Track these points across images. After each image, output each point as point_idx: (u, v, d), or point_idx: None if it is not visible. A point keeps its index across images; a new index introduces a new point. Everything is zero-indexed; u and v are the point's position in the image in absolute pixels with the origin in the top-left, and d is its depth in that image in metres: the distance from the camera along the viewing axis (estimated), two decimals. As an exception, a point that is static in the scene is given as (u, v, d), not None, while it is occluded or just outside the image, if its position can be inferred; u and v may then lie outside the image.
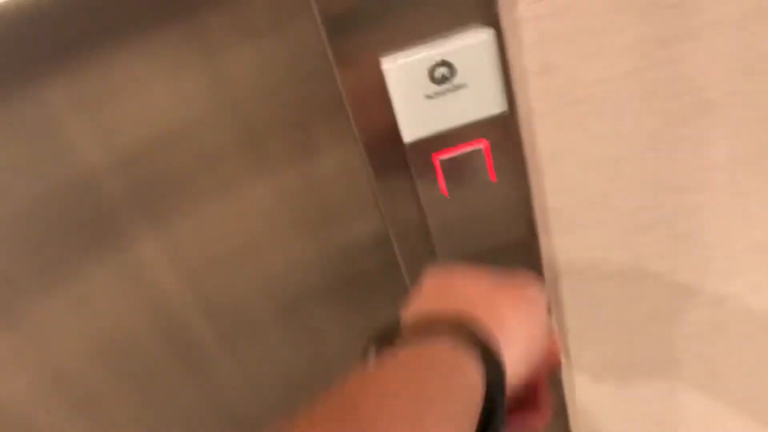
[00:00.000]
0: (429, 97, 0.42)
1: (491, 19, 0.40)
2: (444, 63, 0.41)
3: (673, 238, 0.47)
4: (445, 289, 0.38)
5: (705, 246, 0.47)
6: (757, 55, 0.39)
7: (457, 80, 0.42)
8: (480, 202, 0.47)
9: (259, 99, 0.47)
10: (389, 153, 0.45)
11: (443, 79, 0.42)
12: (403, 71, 0.41)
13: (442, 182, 0.46)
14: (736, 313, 0.52)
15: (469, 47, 0.41)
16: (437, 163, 0.45)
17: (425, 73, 0.42)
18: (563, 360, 0.53)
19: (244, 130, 0.48)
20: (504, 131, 0.44)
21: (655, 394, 0.56)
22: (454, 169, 0.46)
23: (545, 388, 0.37)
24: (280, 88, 0.46)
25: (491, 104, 0.43)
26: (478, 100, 0.43)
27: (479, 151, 0.45)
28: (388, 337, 0.33)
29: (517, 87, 0.40)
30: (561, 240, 0.46)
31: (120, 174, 0.51)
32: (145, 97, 0.47)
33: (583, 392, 0.55)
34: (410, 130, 0.44)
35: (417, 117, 0.43)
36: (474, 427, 0.28)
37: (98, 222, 0.56)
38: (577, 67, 0.38)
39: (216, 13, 0.43)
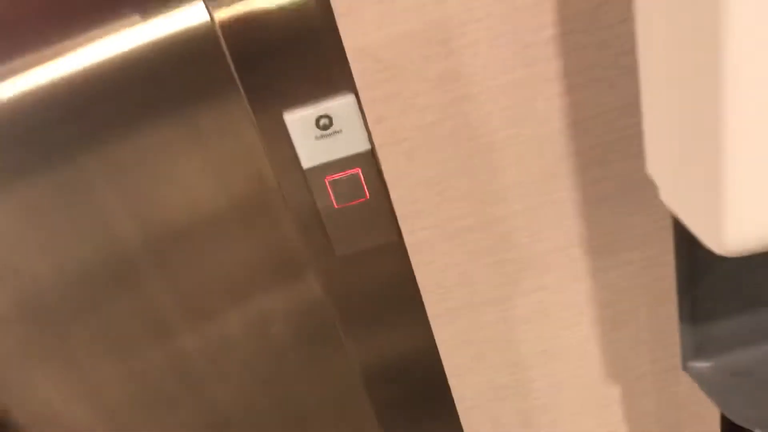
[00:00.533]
0: (317, 138, 0.64)
1: (354, 88, 0.62)
2: (325, 116, 0.63)
3: (492, 239, 0.67)
4: None
5: (516, 245, 0.67)
6: (519, 111, 0.60)
7: (334, 128, 0.64)
8: (359, 212, 0.68)
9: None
10: (295, 176, 0.67)
11: (325, 127, 0.64)
12: (298, 121, 0.63)
13: (331, 196, 0.67)
14: (555, 299, 0.71)
15: (339, 106, 0.62)
16: (327, 183, 0.67)
17: (313, 122, 0.63)
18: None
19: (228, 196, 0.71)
20: (371, 161, 0.66)
21: (502, 366, 0.75)
22: (339, 188, 0.67)
23: None
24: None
25: (360, 143, 0.65)
26: (350, 140, 0.64)
27: (356, 175, 0.66)
28: None
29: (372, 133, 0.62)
30: (411, 238, 0.66)
31: (139, 228, 0.74)
32: (165, 168, 0.70)
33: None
34: (306, 161, 0.65)
35: (310, 151, 0.65)
36: None
37: (118, 271, 0.79)
38: (401, 118, 0.60)
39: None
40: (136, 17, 0.68)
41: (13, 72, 0.70)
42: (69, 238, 0.81)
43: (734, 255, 0.41)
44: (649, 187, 0.66)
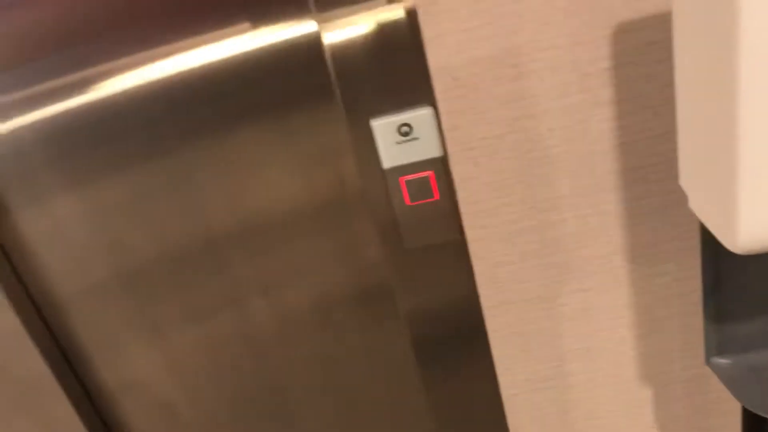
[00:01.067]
0: (398, 142, 0.75)
1: (433, 102, 0.73)
2: (406, 124, 0.74)
3: (543, 242, 0.76)
4: None
5: (564, 249, 0.77)
6: (574, 131, 0.69)
7: (413, 135, 0.74)
8: (428, 210, 0.78)
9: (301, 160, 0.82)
10: (375, 175, 0.77)
11: (405, 133, 0.74)
12: (383, 128, 0.74)
13: (405, 195, 0.78)
14: (596, 301, 0.80)
15: (419, 116, 0.73)
16: (403, 183, 0.77)
17: (395, 129, 0.74)
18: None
19: (311, 192, 0.83)
20: (442, 167, 0.76)
21: (546, 359, 0.84)
22: (413, 187, 0.77)
23: None
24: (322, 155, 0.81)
25: (433, 150, 0.75)
26: (426, 147, 0.75)
27: (427, 177, 0.77)
28: None
29: (445, 141, 0.72)
30: (472, 234, 0.76)
31: (230, 215, 0.86)
32: (258, 163, 0.82)
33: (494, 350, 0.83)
34: (387, 161, 0.76)
35: (390, 154, 0.75)
36: None
37: (208, 253, 0.90)
38: (471, 129, 0.70)
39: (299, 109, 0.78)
40: (246, 24, 0.81)
41: (135, 65, 0.83)
42: (169, 220, 0.93)
43: (747, 252, 0.50)
44: (685, 206, 0.74)
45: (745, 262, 0.61)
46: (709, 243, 0.61)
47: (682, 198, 0.73)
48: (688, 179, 0.56)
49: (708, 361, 0.65)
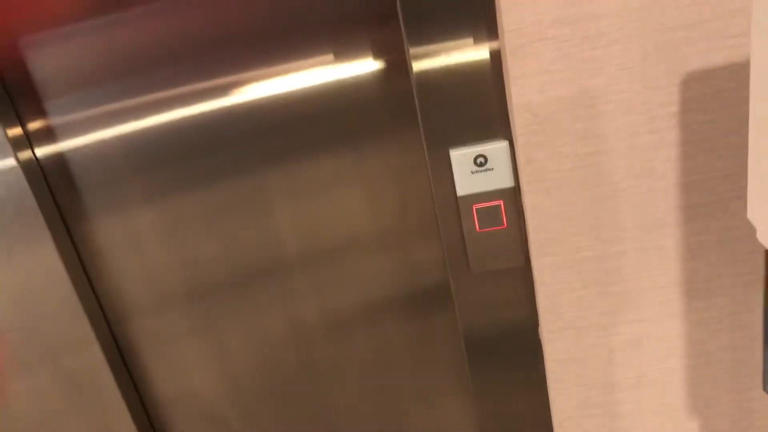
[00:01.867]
0: (473, 172, 0.81)
1: (509, 136, 0.79)
2: (481, 155, 0.80)
3: (604, 271, 0.81)
4: None
5: (624, 279, 0.82)
6: (641, 168, 0.75)
7: (488, 165, 0.80)
8: (496, 237, 0.84)
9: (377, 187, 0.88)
10: (449, 201, 0.83)
11: (481, 165, 0.80)
12: (460, 158, 0.80)
13: (476, 222, 0.83)
14: (650, 331, 0.84)
15: (495, 149, 0.79)
16: (474, 211, 0.83)
17: (471, 159, 0.80)
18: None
19: (375, 224, 0.89)
20: (512, 197, 0.82)
21: (598, 385, 0.88)
22: (484, 215, 0.83)
23: None
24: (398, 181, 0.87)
25: (506, 180, 0.81)
26: (499, 178, 0.81)
27: (498, 206, 0.82)
28: None
29: (519, 171, 0.78)
30: (539, 261, 0.81)
31: (304, 243, 0.92)
32: (332, 188, 0.88)
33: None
34: (461, 189, 0.82)
35: (465, 183, 0.81)
36: None
37: (274, 270, 0.96)
38: (546, 163, 0.76)
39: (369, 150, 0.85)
40: (330, 57, 0.87)
41: (222, 87, 0.90)
42: (241, 237, 0.99)
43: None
44: (740, 244, 0.79)
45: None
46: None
47: (736, 236, 0.78)
48: (757, 213, 0.61)
49: (765, 388, 0.70)
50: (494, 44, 0.76)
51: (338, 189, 0.94)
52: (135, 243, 1.01)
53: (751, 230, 0.78)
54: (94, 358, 1.04)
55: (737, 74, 0.71)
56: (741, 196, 0.76)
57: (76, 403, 1.09)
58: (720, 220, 0.78)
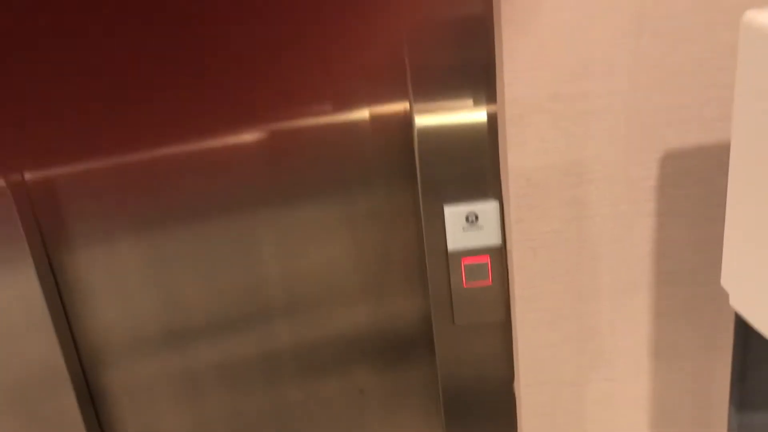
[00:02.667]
0: (464, 229, 0.86)
1: (500, 197, 0.85)
2: (473, 213, 0.85)
3: (581, 328, 0.86)
4: None
5: (599, 337, 0.87)
6: (620, 234, 0.82)
7: (478, 224, 0.85)
8: (482, 292, 0.88)
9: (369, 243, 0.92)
10: (439, 255, 0.87)
11: (472, 222, 0.85)
12: (452, 214, 0.85)
13: (463, 276, 0.88)
14: (620, 389, 0.90)
15: (485, 208, 0.85)
16: (462, 265, 0.87)
17: (463, 216, 0.85)
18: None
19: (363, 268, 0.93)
20: (499, 254, 0.87)
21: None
22: (471, 270, 0.88)
23: None
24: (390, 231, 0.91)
25: (494, 238, 0.86)
26: (488, 235, 0.86)
27: (485, 263, 0.87)
28: None
29: (507, 230, 0.83)
30: (521, 316, 0.86)
31: (281, 288, 0.95)
32: (321, 234, 0.92)
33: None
34: (451, 244, 0.86)
35: (457, 238, 0.86)
36: None
37: (255, 313, 0.98)
38: (534, 224, 0.81)
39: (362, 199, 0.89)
40: (328, 107, 0.92)
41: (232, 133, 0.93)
42: (224, 277, 1.00)
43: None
44: (707, 311, 0.86)
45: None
46: (741, 337, 0.72)
47: (704, 303, 0.85)
48: (731, 279, 0.68)
49: (728, 446, 0.75)
50: (493, 110, 0.82)
51: (326, 235, 0.97)
52: (116, 280, 1.02)
53: (718, 298, 0.85)
54: (65, 392, 1.03)
55: (710, 154, 0.79)
56: (710, 265, 0.83)
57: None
58: (689, 287, 0.84)
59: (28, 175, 0.95)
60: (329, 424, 1.07)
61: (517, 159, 0.79)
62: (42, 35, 0.12)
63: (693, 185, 0.80)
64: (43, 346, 1.00)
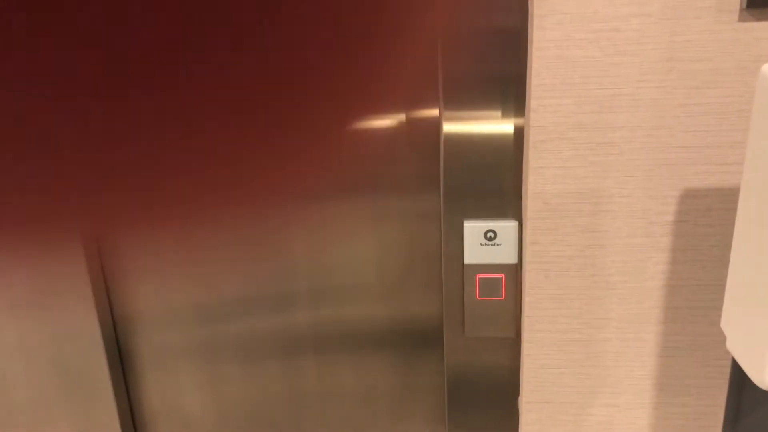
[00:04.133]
0: (482, 244, 0.89)
1: (519, 217, 0.87)
2: (491, 230, 0.88)
3: (587, 354, 0.88)
4: None
5: (603, 364, 0.89)
6: (632, 266, 0.83)
7: (496, 240, 0.88)
8: (493, 307, 0.91)
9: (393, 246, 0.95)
10: (456, 267, 0.91)
11: (490, 238, 0.88)
12: (472, 229, 0.88)
13: (477, 289, 0.91)
14: (620, 417, 0.91)
15: (505, 226, 0.87)
16: (477, 280, 0.90)
17: (482, 232, 0.88)
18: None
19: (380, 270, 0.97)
20: (514, 273, 0.89)
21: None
22: (485, 285, 0.91)
23: None
24: (409, 241, 0.94)
25: (511, 257, 0.89)
26: (505, 253, 0.89)
27: (500, 279, 0.90)
28: None
29: (524, 250, 0.86)
30: (529, 335, 0.88)
31: (308, 277, 0.99)
32: (349, 236, 0.96)
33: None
34: (468, 258, 0.89)
35: (474, 253, 0.89)
36: None
37: (283, 305, 1.02)
38: (549, 247, 0.84)
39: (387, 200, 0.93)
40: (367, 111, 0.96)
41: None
42: (259, 269, 1.06)
43: (772, 390, 0.62)
44: (712, 350, 0.87)
45: (764, 400, 0.73)
46: (736, 381, 0.73)
47: (709, 342, 0.86)
48: (729, 323, 0.69)
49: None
50: (520, 127, 0.85)
51: (351, 235, 1.01)
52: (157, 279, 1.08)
53: (722, 339, 0.86)
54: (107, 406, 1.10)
55: (727, 197, 0.80)
56: (717, 306, 0.84)
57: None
58: (696, 324, 0.86)
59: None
60: (337, 414, 1.11)
61: (536, 182, 0.82)
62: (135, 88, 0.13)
63: (709, 226, 0.81)
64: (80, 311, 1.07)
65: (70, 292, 1.06)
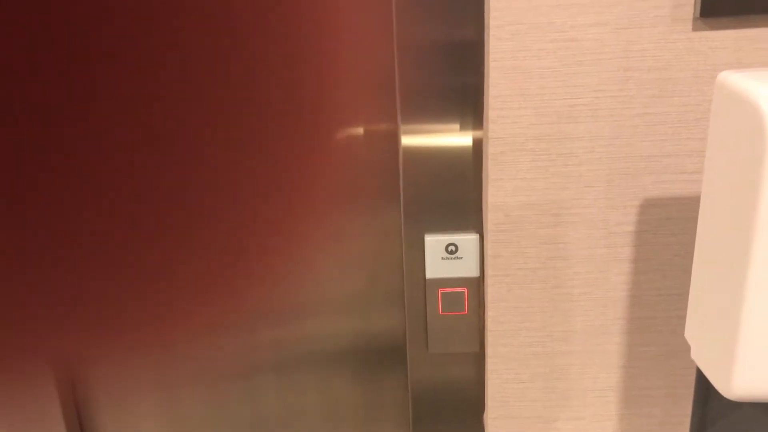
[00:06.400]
0: (444, 258, 0.87)
1: (480, 229, 0.86)
2: (453, 244, 0.86)
3: (551, 368, 0.87)
4: None
5: (568, 377, 0.87)
6: (595, 277, 0.82)
7: (458, 254, 0.87)
8: (457, 321, 0.89)
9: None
10: (418, 282, 0.89)
11: (451, 252, 0.87)
12: (433, 243, 0.86)
13: (439, 304, 0.89)
14: (586, 430, 0.90)
15: (465, 239, 0.86)
16: (439, 294, 0.89)
17: (444, 246, 0.87)
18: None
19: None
20: (476, 286, 0.88)
21: None
22: (448, 299, 0.89)
23: None
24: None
25: (473, 270, 0.87)
26: (467, 266, 0.87)
27: (462, 293, 0.88)
28: None
29: (486, 263, 0.85)
30: (492, 350, 0.87)
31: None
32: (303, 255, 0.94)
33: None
34: (430, 273, 0.88)
35: (435, 267, 0.87)
36: None
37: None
38: (511, 260, 0.82)
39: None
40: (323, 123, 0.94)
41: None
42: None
43: (738, 399, 0.61)
44: (676, 359, 0.86)
45: (729, 410, 0.73)
46: (701, 391, 0.72)
47: (674, 351, 0.86)
48: (693, 332, 0.68)
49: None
50: (479, 139, 0.84)
51: (312, 249, 0.99)
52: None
53: (687, 348, 0.85)
54: None
55: (688, 206, 0.80)
56: (681, 315, 0.84)
57: None
58: (660, 334, 0.85)
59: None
60: (302, 427, 1.08)
61: (496, 195, 0.80)
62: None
63: (671, 235, 0.81)
64: None
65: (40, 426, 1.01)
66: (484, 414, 0.93)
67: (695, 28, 0.75)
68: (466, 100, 0.82)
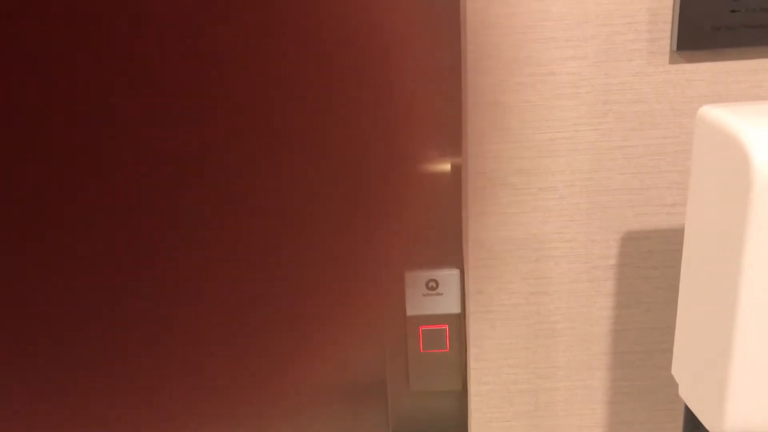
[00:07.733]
0: (425, 295, 0.85)
1: (461, 265, 0.84)
2: (433, 280, 0.85)
3: (536, 405, 0.85)
4: None
5: (553, 415, 0.86)
6: (577, 312, 0.81)
7: (438, 290, 0.85)
8: (439, 359, 0.87)
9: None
10: (398, 319, 0.87)
11: (432, 288, 0.85)
12: (413, 280, 0.85)
13: (420, 342, 0.87)
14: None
15: (446, 275, 0.84)
16: (420, 331, 0.87)
17: (424, 282, 0.85)
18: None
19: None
20: (458, 323, 0.86)
21: None
22: (429, 337, 0.87)
23: None
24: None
25: (454, 307, 0.85)
26: (448, 303, 0.85)
27: (443, 330, 0.86)
28: None
29: (467, 299, 0.83)
30: (475, 388, 0.85)
31: None
32: None
33: None
34: (410, 309, 0.86)
35: (416, 304, 0.85)
36: None
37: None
38: (494, 296, 0.81)
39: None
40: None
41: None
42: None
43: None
44: (661, 394, 0.85)
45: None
46: (690, 427, 0.71)
47: (658, 386, 0.84)
48: (680, 370, 0.67)
49: None
50: (456, 160, 0.82)
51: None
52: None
53: (672, 382, 0.84)
54: None
55: (669, 238, 0.79)
56: (665, 348, 0.83)
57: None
58: (644, 369, 0.84)
59: None
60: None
61: (477, 230, 0.79)
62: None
63: (653, 268, 0.80)
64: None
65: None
66: (468, 454, 0.90)
67: (672, 61, 0.75)
68: (445, 134, 0.81)
